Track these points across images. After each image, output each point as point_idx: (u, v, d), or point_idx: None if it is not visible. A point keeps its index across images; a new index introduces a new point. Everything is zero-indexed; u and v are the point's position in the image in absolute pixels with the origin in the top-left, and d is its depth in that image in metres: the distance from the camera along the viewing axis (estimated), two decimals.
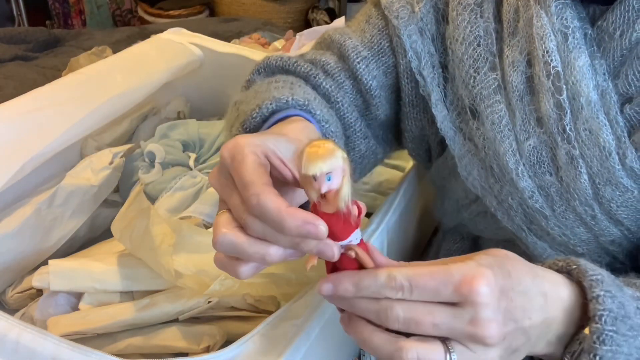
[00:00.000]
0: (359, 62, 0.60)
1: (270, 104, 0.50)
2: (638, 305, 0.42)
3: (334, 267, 0.41)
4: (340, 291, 0.39)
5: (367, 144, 0.64)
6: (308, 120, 0.50)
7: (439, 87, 0.57)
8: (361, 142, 0.64)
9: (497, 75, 0.53)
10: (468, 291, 0.36)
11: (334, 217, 0.38)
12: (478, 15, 0.54)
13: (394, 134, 0.67)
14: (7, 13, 2.38)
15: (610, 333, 0.39)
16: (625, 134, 0.48)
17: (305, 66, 0.60)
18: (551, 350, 0.42)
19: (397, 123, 0.66)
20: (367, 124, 0.64)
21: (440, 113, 0.57)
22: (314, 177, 0.36)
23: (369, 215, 0.65)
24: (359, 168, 0.67)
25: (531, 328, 0.39)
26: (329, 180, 0.36)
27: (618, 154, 0.48)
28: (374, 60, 0.61)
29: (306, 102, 0.52)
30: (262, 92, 0.53)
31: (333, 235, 0.38)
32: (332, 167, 0.36)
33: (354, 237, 0.39)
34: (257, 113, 0.50)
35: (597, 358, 0.39)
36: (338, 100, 0.60)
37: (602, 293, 0.39)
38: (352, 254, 0.39)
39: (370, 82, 0.60)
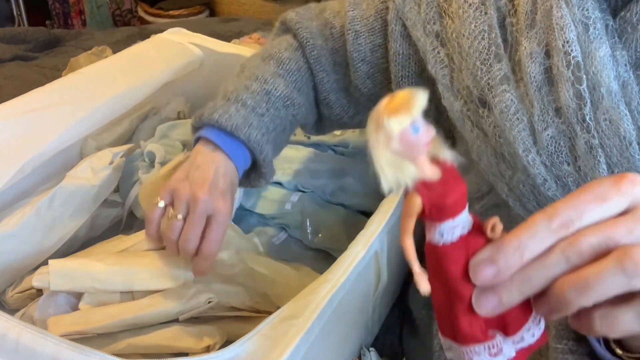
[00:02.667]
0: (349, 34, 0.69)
1: (212, 126, 0.63)
2: None
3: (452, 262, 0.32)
4: (507, 264, 0.31)
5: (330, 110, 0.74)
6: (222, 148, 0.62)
7: (444, 78, 0.59)
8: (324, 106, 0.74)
9: (501, 65, 0.53)
10: (632, 184, 0.31)
11: (446, 182, 0.30)
12: (483, 12, 0.55)
13: None
14: (7, 13, 2.38)
15: None
16: None
17: (305, 33, 0.70)
18: None
19: None
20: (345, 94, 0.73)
21: (447, 101, 0.58)
22: (402, 138, 0.28)
23: (368, 215, 0.65)
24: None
25: None
26: (416, 131, 0.29)
27: (639, 144, 0.48)
28: (363, 36, 0.68)
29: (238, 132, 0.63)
30: (234, 94, 0.65)
31: (455, 206, 0.31)
32: (414, 112, 0.28)
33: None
34: (200, 126, 0.65)
35: None
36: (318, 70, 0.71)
37: None
38: (500, 228, 0.31)
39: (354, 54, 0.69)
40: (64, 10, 2.60)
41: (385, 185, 0.30)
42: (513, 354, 0.33)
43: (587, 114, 0.49)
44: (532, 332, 0.33)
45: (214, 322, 0.65)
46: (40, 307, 0.64)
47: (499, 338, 0.33)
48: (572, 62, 0.48)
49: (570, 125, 0.50)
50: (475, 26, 0.55)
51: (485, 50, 0.54)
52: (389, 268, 0.67)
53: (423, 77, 0.65)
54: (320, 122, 0.78)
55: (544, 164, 0.52)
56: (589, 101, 0.49)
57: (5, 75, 1.26)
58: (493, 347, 0.32)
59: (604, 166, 0.49)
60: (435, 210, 0.31)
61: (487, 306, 0.31)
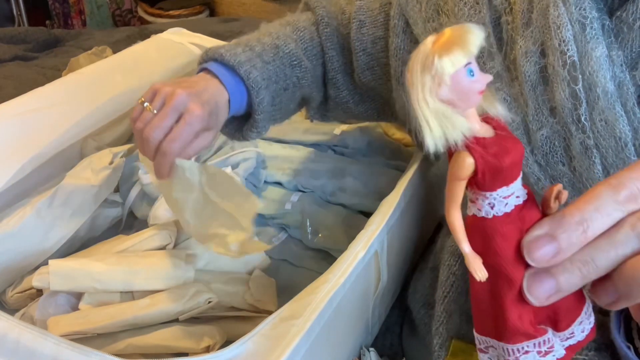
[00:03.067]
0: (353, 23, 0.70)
1: (215, 61, 0.63)
2: None
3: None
4: (569, 240, 0.26)
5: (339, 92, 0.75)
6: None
7: None
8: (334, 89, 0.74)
9: (494, 64, 0.54)
10: None
11: (502, 141, 0.26)
12: (477, 10, 0.56)
13: (385, 105, 0.74)
14: (7, 13, 2.38)
15: None
16: None
17: (321, 11, 0.72)
18: None
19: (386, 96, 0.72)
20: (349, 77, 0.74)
21: None
22: (454, 82, 0.24)
23: (368, 215, 0.65)
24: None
25: None
26: (471, 74, 0.24)
27: (634, 145, 0.48)
28: (367, 27, 0.69)
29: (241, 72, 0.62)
30: (244, 45, 0.66)
31: (512, 170, 0.26)
32: (471, 50, 0.24)
33: None
34: (205, 60, 0.64)
35: None
36: (329, 47, 0.72)
37: None
38: (565, 196, 0.27)
39: (356, 43, 0.70)
40: (64, 10, 2.60)
41: (429, 141, 0.25)
42: (563, 352, 0.28)
43: (582, 114, 0.48)
44: (582, 327, 0.28)
45: (214, 322, 0.65)
46: (40, 307, 0.64)
47: (550, 334, 0.27)
48: (568, 61, 0.48)
49: (566, 125, 0.50)
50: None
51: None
52: (389, 268, 0.67)
53: None
54: (326, 104, 0.78)
55: (537, 163, 0.52)
56: (584, 101, 0.48)
57: (5, 75, 1.26)
58: (544, 343, 0.27)
59: (599, 167, 0.49)
60: (489, 174, 0.26)
61: (541, 292, 0.27)
